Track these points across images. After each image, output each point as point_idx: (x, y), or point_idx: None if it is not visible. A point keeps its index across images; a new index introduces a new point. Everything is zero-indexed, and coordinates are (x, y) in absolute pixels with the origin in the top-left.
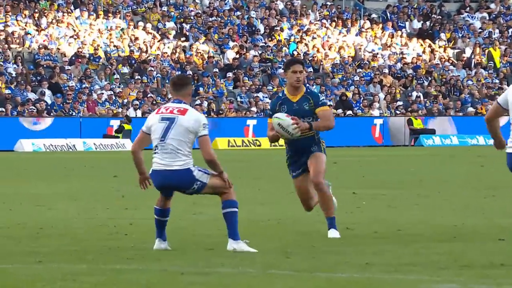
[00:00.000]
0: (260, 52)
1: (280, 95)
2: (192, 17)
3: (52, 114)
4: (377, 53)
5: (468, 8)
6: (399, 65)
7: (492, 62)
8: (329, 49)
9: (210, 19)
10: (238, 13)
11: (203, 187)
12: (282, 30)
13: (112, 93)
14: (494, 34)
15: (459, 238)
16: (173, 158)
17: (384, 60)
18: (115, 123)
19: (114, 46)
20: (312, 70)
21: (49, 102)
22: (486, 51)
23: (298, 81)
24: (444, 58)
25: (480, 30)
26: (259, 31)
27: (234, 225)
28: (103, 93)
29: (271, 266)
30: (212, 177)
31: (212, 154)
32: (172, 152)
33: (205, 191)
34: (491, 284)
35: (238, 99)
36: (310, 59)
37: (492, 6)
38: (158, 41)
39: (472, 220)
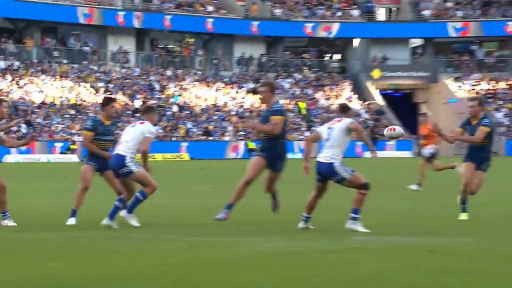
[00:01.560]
0: (156, 101)
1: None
2: (114, 79)
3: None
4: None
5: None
6: (241, 109)
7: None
8: (198, 99)
9: (125, 81)
10: (143, 77)
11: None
12: (169, 88)
13: (64, 126)
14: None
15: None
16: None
17: (230, 106)
18: (65, 145)
19: (66, 97)
20: (189, 112)
21: (24, 131)
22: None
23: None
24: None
25: (288, 90)
26: (155, 88)
27: (135, 205)
28: (58, 126)
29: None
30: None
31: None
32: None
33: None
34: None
35: None
36: (187, 106)
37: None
38: (94, 94)
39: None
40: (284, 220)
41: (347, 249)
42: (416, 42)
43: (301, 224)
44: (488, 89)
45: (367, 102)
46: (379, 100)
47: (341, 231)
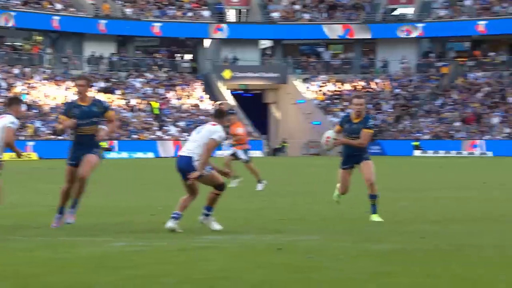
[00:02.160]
0: (2, 100)
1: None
2: None
3: None
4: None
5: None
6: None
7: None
8: (47, 98)
9: None
10: None
11: None
12: (16, 86)
13: None
14: (148, 91)
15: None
16: None
17: None
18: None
19: None
20: (37, 110)
21: None
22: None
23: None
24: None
25: (139, 89)
26: (2, 86)
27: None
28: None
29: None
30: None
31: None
32: None
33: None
34: (148, 241)
35: None
36: (35, 104)
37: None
38: None
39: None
40: (132, 220)
41: (198, 248)
42: (266, 43)
43: (169, 224)
44: (335, 90)
45: (218, 102)
46: (230, 100)
47: (191, 231)
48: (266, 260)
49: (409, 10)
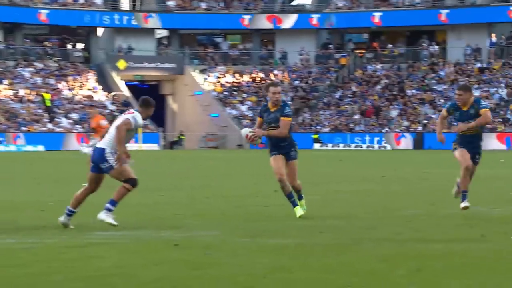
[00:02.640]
0: None
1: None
2: None
3: None
4: None
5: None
6: None
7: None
8: None
9: None
10: None
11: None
12: None
13: None
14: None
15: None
16: None
17: None
18: None
19: None
20: None
21: None
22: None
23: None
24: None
25: (29, 79)
26: None
27: None
28: None
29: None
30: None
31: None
32: None
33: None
34: (38, 238)
35: None
36: None
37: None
38: None
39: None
40: (21, 216)
41: (90, 244)
42: (162, 33)
43: (62, 218)
44: (233, 82)
45: (112, 93)
46: (125, 92)
47: (84, 226)
48: (163, 256)
49: (308, 1)
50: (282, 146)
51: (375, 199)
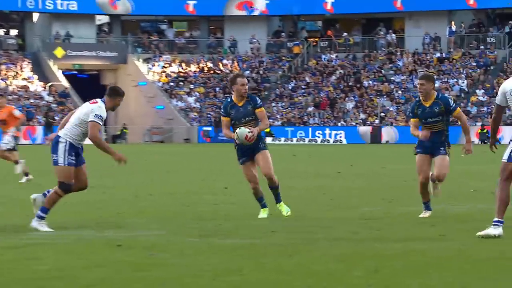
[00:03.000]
0: None
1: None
2: None
3: None
4: None
5: None
6: None
7: None
8: None
9: None
10: None
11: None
12: None
13: None
14: None
15: None
16: None
17: None
18: None
19: None
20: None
21: None
22: None
23: None
24: None
25: None
26: None
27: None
28: None
29: None
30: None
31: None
32: None
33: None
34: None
35: None
36: None
37: None
38: None
39: None
40: None
41: (28, 245)
42: (102, 19)
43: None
44: (179, 72)
45: (49, 84)
46: (63, 82)
47: (21, 226)
48: (105, 257)
49: None
50: (252, 148)
51: (331, 196)
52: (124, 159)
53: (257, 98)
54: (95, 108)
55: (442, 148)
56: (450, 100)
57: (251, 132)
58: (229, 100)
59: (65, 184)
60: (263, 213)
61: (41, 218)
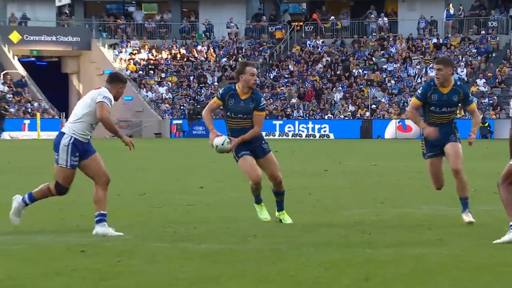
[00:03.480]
0: None
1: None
2: None
3: None
4: None
5: None
6: None
7: None
8: None
9: None
10: None
11: None
12: None
13: None
14: None
15: None
16: None
17: None
18: None
19: None
20: None
21: None
22: None
23: None
24: None
25: None
26: None
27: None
28: None
29: None
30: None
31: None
32: None
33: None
34: None
35: None
36: None
37: None
38: None
39: None
40: None
41: None
42: (63, 0)
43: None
44: (149, 59)
45: (3, 72)
46: (20, 70)
47: None
48: (67, 264)
49: None
50: (252, 142)
51: (317, 197)
52: (132, 144)
53: (262, 99)
54: (101, 91)
55: (452, 135)
56: (467, 88)
57: (231, 147)
58: (233, 88)
59: (61, 186)
60: (264, 212)
61: (25, 204)
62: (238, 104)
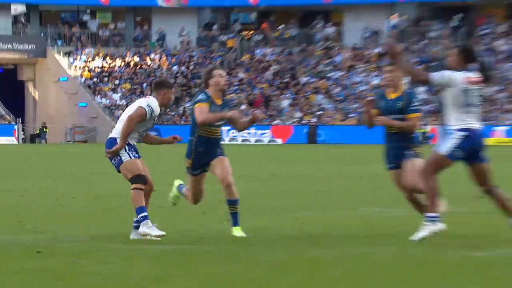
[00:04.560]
0: None
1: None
2: None
3: None
4: None
5: None
6: None
7: None
8: None
9: None
10: None
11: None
12: None
13: None
14: None
15: None
16: None
17: None
18: None
19: None
20: None
21: None
22: None
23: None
24: None
25: None
26: None
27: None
28: None
29: None
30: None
31: None
32: None
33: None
34: None
35: None
36: None
37: None
38: None
39: None
40: None
41: None
42: (18, 8)
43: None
44: (103, 67)
45: None
46: None
47: None
48: (22, 265)
49: None
50: (209, 155)
51: (265, 200)
52: (114, 154)
53: (228, 101)
54: (145, 101)
55: (408, 150)
56: (416, 98)
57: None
58: (208, 94)
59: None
60: (239, 232)
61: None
62: (215, 112)
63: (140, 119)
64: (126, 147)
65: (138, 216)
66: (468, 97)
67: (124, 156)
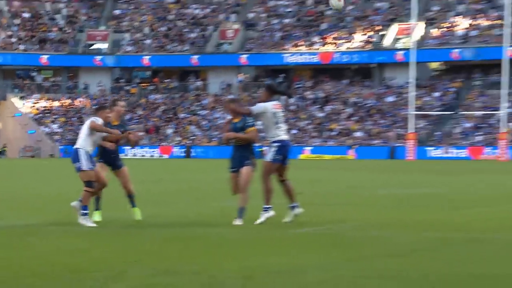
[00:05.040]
0: None
1: None
2: None
3: None
4: None
5: None
6: None
7: None
8: None
9: None
10: None
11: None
12: None
13: None
14: None
15: None
16: None
17: None
18: None
19: None
20: None
21: None
22: None
23: None
24: None
25: None
26: None
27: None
28: None
29: None
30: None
31: None
32: None
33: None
34: None
35: None
36: None
37: None
38: None
39: None
40: None
41: None
42: None
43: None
44: (46, 106)
45: None
46: None
47: None
48: None
49: (104, 45)
50: (112, 162)
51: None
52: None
53: (126, 123)
54: (92, 118)
55: (248, 160)
56: (249, 118)
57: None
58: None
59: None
60: (97, 217)
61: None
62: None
63: (96, 126)
64: (86, 156)
65: (82, 211)
66: (277, 118)
67: (83, 166)
